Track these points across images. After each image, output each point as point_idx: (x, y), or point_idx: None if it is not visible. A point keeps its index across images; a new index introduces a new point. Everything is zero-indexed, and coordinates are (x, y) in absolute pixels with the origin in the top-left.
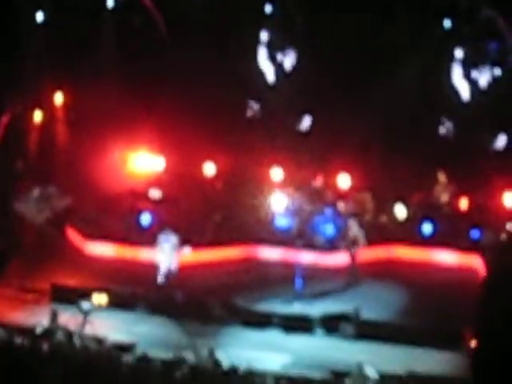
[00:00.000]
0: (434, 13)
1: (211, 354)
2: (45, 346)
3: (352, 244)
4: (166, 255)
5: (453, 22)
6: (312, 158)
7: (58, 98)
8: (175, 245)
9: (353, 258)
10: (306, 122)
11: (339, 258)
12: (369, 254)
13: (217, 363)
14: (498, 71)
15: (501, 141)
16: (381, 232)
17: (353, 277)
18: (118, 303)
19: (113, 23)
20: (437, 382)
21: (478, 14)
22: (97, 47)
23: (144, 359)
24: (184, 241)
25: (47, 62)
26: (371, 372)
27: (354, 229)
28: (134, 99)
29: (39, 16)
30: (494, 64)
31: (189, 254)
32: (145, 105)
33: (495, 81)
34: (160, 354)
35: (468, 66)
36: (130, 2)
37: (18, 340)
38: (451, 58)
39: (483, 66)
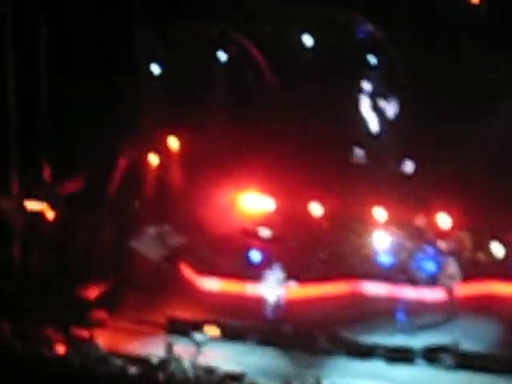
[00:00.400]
0: None
1: (317, 382)
2: (160, 376)
3: (450, 280)
4: (273, 290)
5: None
6: (413, 199)
7: (172, 143)
8: (282, 280)
9: (450, 293)
10: (407, 166)
11: (439, 294)
12: (467, 289)
13: None
14: None
15: None
16: (479, 269)
17: (451, 311)
18: (229, 335)
19: (223, 74)
20: None
21: None
22: (208, 96)
23: None
24: (291, 276)
25: (163, 110)
26: None
27: (452, 266)
28: (244, 143)
29: (155, 68)
30: None
31: (294, 289)
32: (254, 149)
33: None
34: (268, 383)
35: None
36: (241, 55)
37: (134, 369)
38: None
39: None
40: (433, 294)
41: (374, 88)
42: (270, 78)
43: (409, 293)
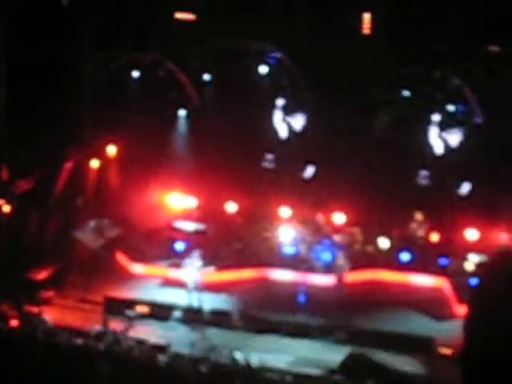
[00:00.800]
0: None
1: (230, 354)
2: (98, 346)
3: (340, 269)
4: (194, 275)
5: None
6: (314, 200)
7: (111, 150)
8: (201, 266)
9: (340, 279)
10: (309, 171)
11: (332, 280)
12: (358, 276)
13: (235, 361)
14: (464, 130)
15: (465, 188)
16: (367, 259)
17: (341, 294)
18: (156, 313)
19: (154, 93)
20: (410, 380)
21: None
22: (139, 114)
23: (175, 357)
24: (209, 263)
25: (103, 122)
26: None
27: (342, 258)
28: (170, 151)
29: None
30: (461, 124)
31: (212, 273)
32: (179, 156)
33: (463, 139)
34: (188, 353)
35: (441, 127)
36: (170, 78)
37: (77, 341)
38: (428, 120)
39: (453, 127)
40: (327, 280)
41: (285, 104)
42: (194, 96)
43: (308, 278)
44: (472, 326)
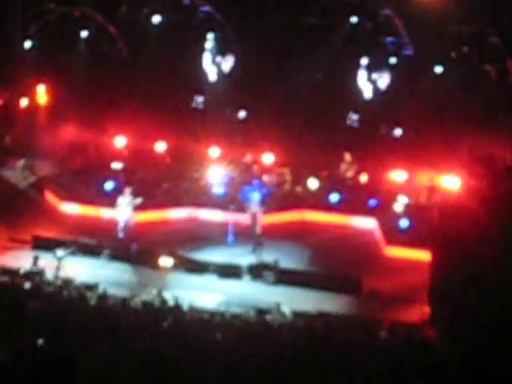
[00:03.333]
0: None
1: (159, 293)
2: (27, 284)
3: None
4: (123, 213)
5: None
6: (243, 140)
7: (41, 89)
8: (130, 204)
9: (255, 220)
10: (240, 112)
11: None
12: (286, 216)
13: (164, 301)
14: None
15: (393, 130)
16: (296, 200)
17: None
18: (85, 251)
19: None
20: (338, 319)
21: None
22: (75, 54)
23: (104, 296)
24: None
25: (34, 61)
26: (287, 310)
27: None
28: (104, 95)
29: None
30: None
31: (140, 203)
32: (112, 99)
33: (392, 82)
34: (117, 292)
35: (370, 70)
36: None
37: (5, 279)
38: (357, 63)
39: (382, 70)
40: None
41: (213, 47)
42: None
43: (238, 219)
44: (436, 264)
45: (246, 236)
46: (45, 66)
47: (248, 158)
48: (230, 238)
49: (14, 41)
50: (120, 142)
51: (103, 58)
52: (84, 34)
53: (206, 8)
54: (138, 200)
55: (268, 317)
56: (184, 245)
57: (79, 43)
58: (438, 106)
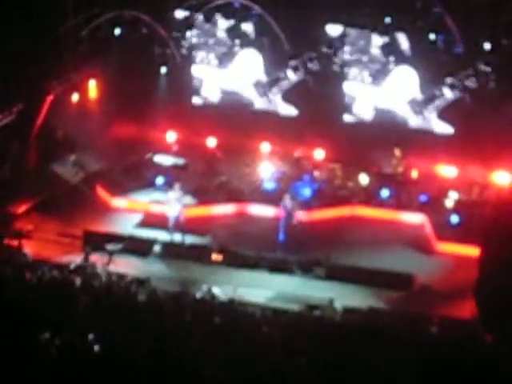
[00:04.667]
0: None
1: (210, 289)
2: (78, 279)
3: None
4: (174, 208)
5: None
6: (294, 136)
7: (92, 84)
8: (181, 199)
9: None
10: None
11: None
12: (336, 212)
13: (214, 296)
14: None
15: (445, 126)
16: (346, 195)
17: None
18: (136, 247)
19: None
20: (390, 315)
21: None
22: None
23: (155, 292)
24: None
25: (85, 57)
26: (338, 306)
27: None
28: (150, 91)
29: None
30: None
31: (192, 207)
32: (162, 93)
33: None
34: (168, 288)
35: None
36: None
37: (56, 274)
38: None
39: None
40: (306, 216)
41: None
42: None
43: (288, 214)
44: (486, 260)
45: (295, 232)
46: (96, 62)
47: (299, 153)
48: (280, 233)
49: (65, 36)
50: (171, 137)
51: (154, 59)
52: (135, 35)
53: (258, 11)
54: (189, 199)
55: (319, 312)
56: (235, 240)
57: (130, 44)
58: (490, 101)
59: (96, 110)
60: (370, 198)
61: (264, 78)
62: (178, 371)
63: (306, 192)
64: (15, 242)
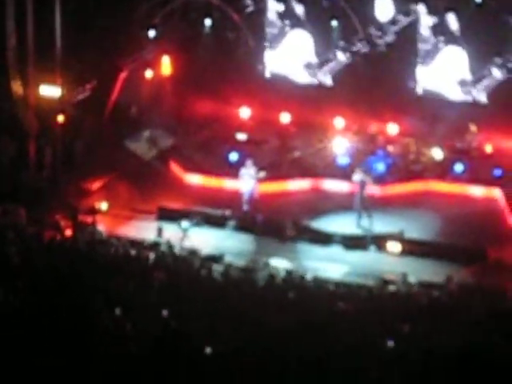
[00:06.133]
0: None
1: (284, 264)
2: (152, 255)
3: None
4: (247, 184)
5: None
6: (368, 110)
7: (165, 60)
8: (255, 175)
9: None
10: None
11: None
12: (410, 187)
13: (288, 272)
14: None
15: None
16: (420, 170)
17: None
18: (210, 223)
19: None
20: (465, 287)
21: None
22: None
23: (229, 268)
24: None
25: (159, 34)
26: (412, 281)
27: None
28: (225, 69)
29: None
30: None
31: (265, 182)
32: (238, 68)
33: None
34: (242, 264)
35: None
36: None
37: (130, 250)
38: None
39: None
40: (380, 190)
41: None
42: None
43: (361, 189)
44: None
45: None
46: (169, 39)
47: (373, 128)
48: (354, 208)
49: (138, 14)
50: (245, 113)
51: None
52: (208, 21)
53: None
54: (262, 173)
55: (393, 287)
56: (309, 216)
57: (203, 29)
58: None
59: (169, 87)
60: (443, 172)
61: (314, 60)
62: (255, 347)
63: (380, 167)
64: (89, 219)
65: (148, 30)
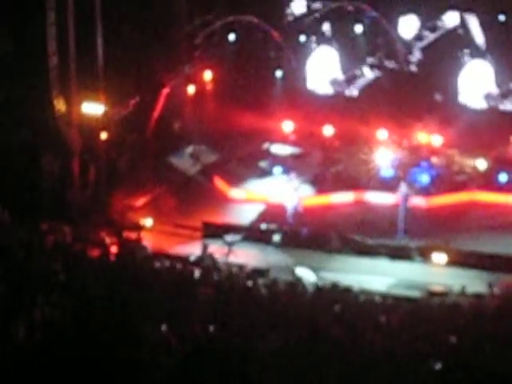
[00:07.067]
0: None
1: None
2: (197, 271)
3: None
4: (292, 198)
5: None
6: (412, 122)
7: (207, 76)
8: (299, 189)
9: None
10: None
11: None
12: (455, 198)
13: (334, 285)
14: None
15: None
16: (465, 181)
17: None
18: (255, 238)
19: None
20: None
21: None
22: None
23: (275, 282)
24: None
25: (199, 51)
26: (458, 292)
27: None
28: (265, 86)
29: None
30: None
31: (309, 196)
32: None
33: None
34: (288, 278)
35: None
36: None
37: (175, 266)
38: None
39: None
40: (425, 202)
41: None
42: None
43: (407, 201)
44: None
45: (415, 218)
46: (211, 54)
47: (416, 140)
48: (400, 221)
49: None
50: (288, 126)
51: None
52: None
53: (373, 13)
54: (306, 189)
55: (439, 299)
56: (353, 228)
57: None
58: None
59: (212, 102)
60: (488, 182)
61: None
62: (302, 356)
63: (424, 178)
64: (134, 235)
65: (191, 48)
